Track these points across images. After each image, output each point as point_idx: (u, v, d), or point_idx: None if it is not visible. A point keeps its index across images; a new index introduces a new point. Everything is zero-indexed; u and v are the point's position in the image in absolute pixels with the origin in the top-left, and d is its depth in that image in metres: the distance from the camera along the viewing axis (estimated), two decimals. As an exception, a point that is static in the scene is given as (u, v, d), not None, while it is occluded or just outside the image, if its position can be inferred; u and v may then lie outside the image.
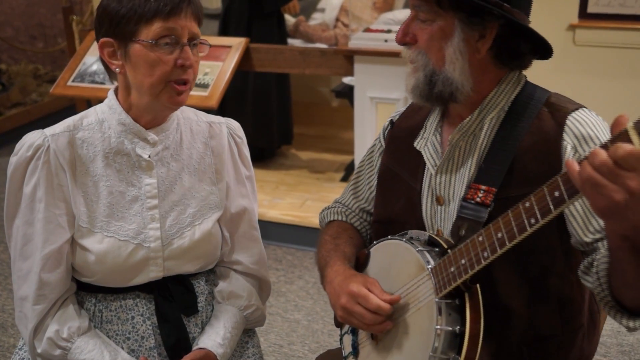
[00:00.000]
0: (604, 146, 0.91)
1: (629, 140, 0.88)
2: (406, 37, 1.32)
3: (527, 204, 1.05)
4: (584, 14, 4.60)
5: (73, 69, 3.65)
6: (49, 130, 1.48)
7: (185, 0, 1.40)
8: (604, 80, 4.59)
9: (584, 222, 1.22)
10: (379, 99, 3.55)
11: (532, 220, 1.04)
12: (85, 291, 1.55)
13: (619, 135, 0.90)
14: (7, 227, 1.51)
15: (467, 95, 1.30)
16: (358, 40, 3.55)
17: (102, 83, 3.54)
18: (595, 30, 4.58)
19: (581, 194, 0.96)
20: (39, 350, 1.50)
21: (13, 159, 1.46)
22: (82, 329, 1.49)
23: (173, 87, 1.42)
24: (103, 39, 1.42)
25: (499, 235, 1.11)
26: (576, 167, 0.94)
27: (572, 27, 4.64)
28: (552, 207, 1.01)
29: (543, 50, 1.32)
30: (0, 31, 6.07)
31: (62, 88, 3.61)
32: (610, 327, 2.90)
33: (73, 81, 3.61)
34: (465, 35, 1.26)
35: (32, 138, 1.46)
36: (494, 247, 1.12)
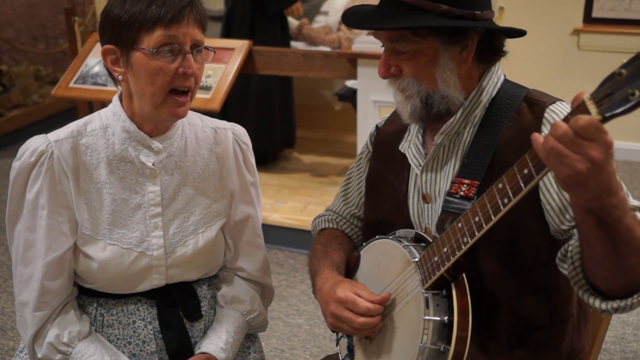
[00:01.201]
0: (565, 119, 0.96)
1: (587, 111, 0.93)
2: (390, 71, 1.34)
3: (500, 185, 1.09)
4: (588, 18, 4.61)
5: (75, 71, 3.65)
6: (52, 136, 1.46)
7: (187, 7, 1.37)
8: (608, 86, 4.59)
9: (560, 211, 1.25)
10: (382, 102, 3.55)
11: (506, 200, 1.08)
12: (87, 295, 1.54)
13: (578, 107, 0.94)
14: (9, 231, 1.51)
15: (460, 104, 1.34)
16: (361, 44, 3.54)
17: (104, 85, 3.53)
18: (599, 35, 4.59)
19: (548, 169, 0.99)
20: (39, 355, 1.49)
21: (16, 164, 1.45)
22: (83, 334, 1.49)
23: (173, 99, 1.41)
24: (106, 46, 1.41)
25: (476, 219, 1.14)
26: (541, 139, 0.97)
27: (576, 32, 4.65)
28: (522, 184, 1.05)
29: (516, 34, 1.37)
30: (1, 32, 6.07)
31: (64, 90, 3.60)
32: (614, 334, 2.90)
33: (75, 83, 3.61)
34: (449, 53, 1.30)
35: (36, 143, 1.45)
36: (472, 231, 1.15)
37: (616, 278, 1.10)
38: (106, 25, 1.40)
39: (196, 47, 1.41)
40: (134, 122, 1.47)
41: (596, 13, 4.58)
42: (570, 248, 1.20)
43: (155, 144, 1.48)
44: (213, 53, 1.48)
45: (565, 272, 1.22)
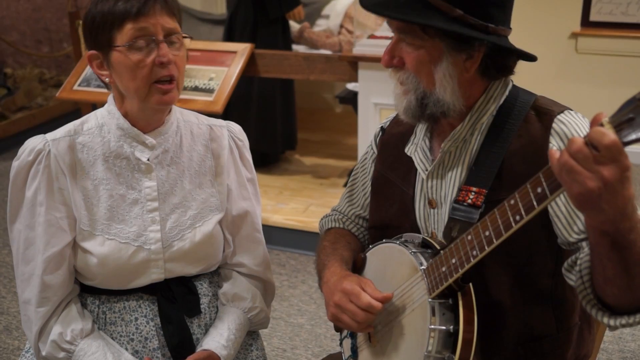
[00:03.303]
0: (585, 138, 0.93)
1: None
2: (393, 61, 1.32)
3: (512, 202, 1.08)
4: (586, 22, 4.62)
5: (79, 74, 3.68)
6: (50, 135, 1.49)
7: None
8: (606, 88, 4.61)
9: (568, 223, 1.24)
10: (382, 105, 3.57)
11: (517, 217, 1.07)
12: (89, 293, 1.56)
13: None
14: (9, 230, 1.53)
15: (459, 111, 1.32)
16: (362, 47, 3.56)
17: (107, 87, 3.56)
18: (597, 38, 4.61)
19: (562, 189, 0.98)
20: (43, 353, 1.50)
21: (15, 163, 1.48)
22: (86, 331, 1.50)
23: (158, 88, 1.43)
24: (89, 52, 1.45)
25: (487, 233, 1.13)
26: (557, 155, 0.96)
27: (574, 35, 4.67)
28: (535, 203, 1.03)
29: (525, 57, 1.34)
30: (6, 35, 6.09)
31: (68, 92, 3.63)
32: (612, 334, 2.91)
33: (79, 85, 3.64)
34: (453, 58, 1.27)
35: (34, 143, 1.48)
36: (482, 245, 1.15)
37: (626, 295, 1.09)
38: (85, 31, 1.44)
39: (170, 35, 1.42)
40: (127, 119, 1.49)
41: (594, 17, 4.59)
42: (579, 262, 1.18)
43: (149, 139, 1.51)
44: (190, 39, 1.48)
45: (572, 283, 1.21)
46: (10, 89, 5.75)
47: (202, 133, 1.61)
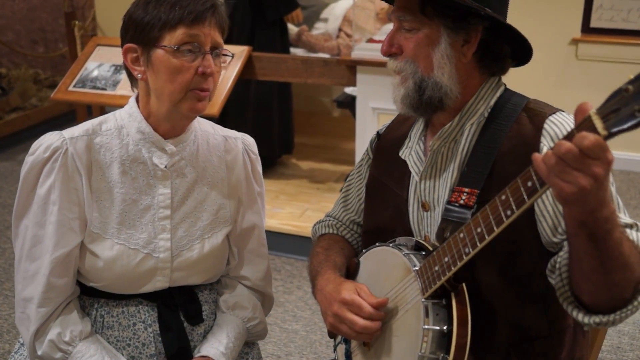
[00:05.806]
0: (570, 134, 0.95)
1: (593, 127, 0.92)
2: (392, 48, 1.35)
3: (503, 197, 1.09)
4: (587, 28, 4.64)
5: (74, 74, 3.65)
6: (67, 133, 1.47)
7: (209, 10, 1.41)
8: (606, 95, 4.57)
9: (554, 223, 1.25)
10: (380, 109, 3.57)
11: (509, 212, 1.08)
12: (88, 295, 1.55)
13: (583, 122, 0.93)
14: (14, 225, 1.51)
15: (455, 100, 1.34)
16: (361, 51, 3.56)
17: (103, 89, 3.54)
18: (598, 44, 4.62)
19: None
20: (39, 352, 1.49)
21: (29, 159, 1.46)
22: (85, 334, 1.50)
23: (194, 93, 1.42)
24: (127, 45, 1.43)
25: (479, 230, 1.14)
26: (541, 158, 0.97)
27: (575, 42, 4.69)
28: (525, 197, 1.04)
29: (522, 54, 1.37)
30: (1, 35, 6.08)
31: (63, 93, 3.61)
32: (610, 343, 2.90)
33: (74, 86, 3.61)
34: (451, 40, 1.30)
35: (50, 139, 1.46)
36: (474, 242, 1.15)
37: (601, 293, 1.11)
38: (129, 26, 1.43)
39: (215, 49, 1.44)
40: (149, 122, 1.48)
41: (594, 23, 4.61)
42: (559, 259, 1.20)
43: (169, 146, 1.50)
44: (231, 57, 1.49)
45: (553, 282, 1.22)
46: (5, 89, 5.73)
47: (218, 144, 1.61)
